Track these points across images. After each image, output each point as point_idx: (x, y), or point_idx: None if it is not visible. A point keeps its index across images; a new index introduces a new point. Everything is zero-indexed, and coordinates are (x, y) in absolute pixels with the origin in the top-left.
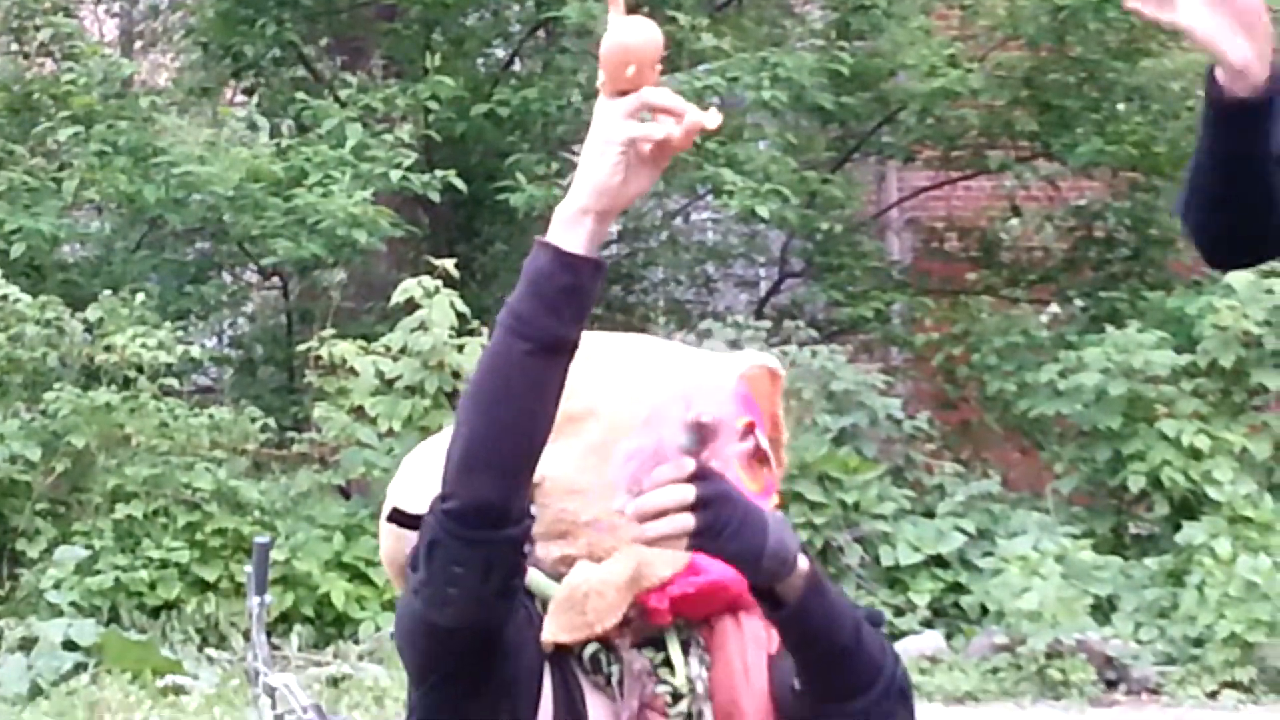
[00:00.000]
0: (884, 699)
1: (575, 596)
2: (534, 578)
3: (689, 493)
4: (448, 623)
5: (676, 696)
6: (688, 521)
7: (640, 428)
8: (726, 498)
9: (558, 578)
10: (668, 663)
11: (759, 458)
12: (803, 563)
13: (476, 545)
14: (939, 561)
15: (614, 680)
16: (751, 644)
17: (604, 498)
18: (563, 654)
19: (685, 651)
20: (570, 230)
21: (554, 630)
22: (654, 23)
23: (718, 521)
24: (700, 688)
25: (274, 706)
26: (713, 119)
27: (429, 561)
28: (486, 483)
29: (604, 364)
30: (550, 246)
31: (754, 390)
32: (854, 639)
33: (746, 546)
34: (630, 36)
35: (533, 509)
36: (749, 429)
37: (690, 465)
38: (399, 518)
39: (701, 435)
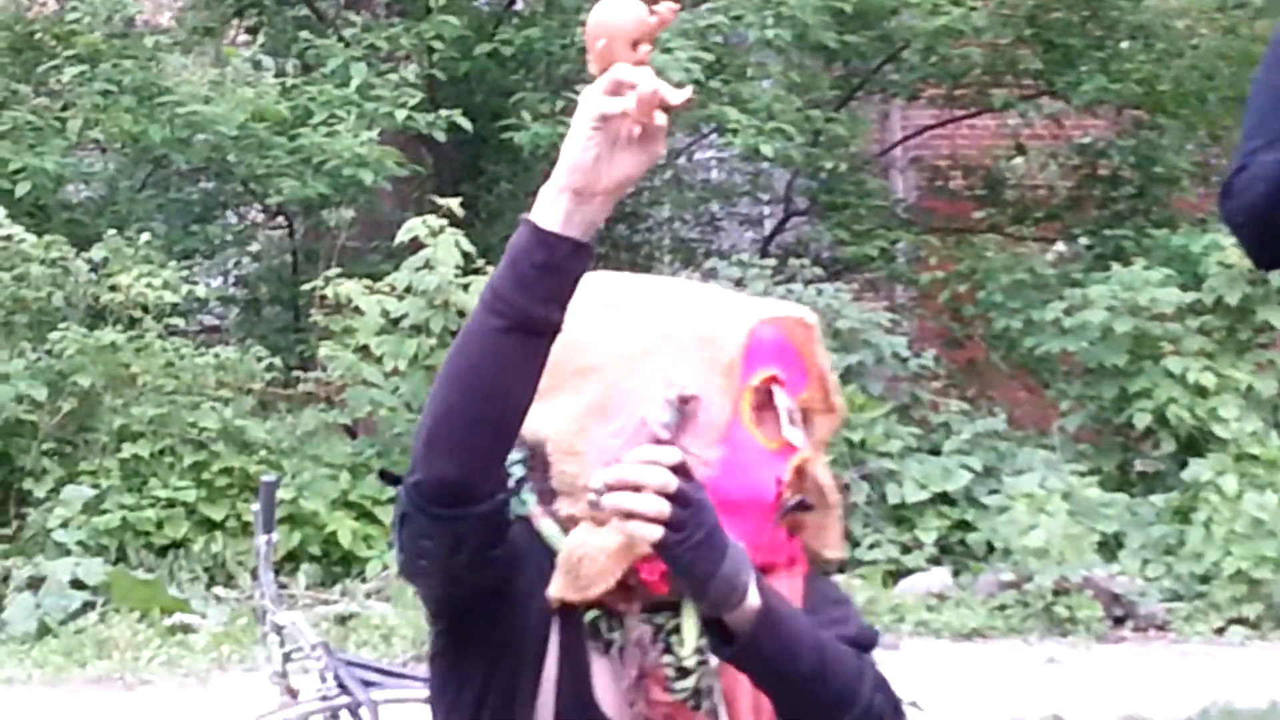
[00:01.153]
0: None
1: (570, 560)
2: (548, 530)
3: (670, 480)
4: (422, 592)
5: (682, 671)
6: (663, 507)
7: (624, 404)
8: (703, 505)
9: (568, 534)
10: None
11: (782, 413)
12: (754, 598)
13: (443, 521)
14: (945, 499)
15: (615, 647)
16: None
17: (602, 462)
18: (571, 612)
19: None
20: (548, 207)
21: (556, 588)
22: (623, 5)
23: (686, 524)
24: (713, 662)
25: (281, 644)
26: (678, 95)
27: (400, 533)
28: (452, 461)
29: (612, 317)
30: (528, 222)
31: (793, 340)
32: (815, 670)
33: (702, 562)
34: (603, 11)
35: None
36: (767, 383)
37: (678, 455)
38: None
39: (682, 411)
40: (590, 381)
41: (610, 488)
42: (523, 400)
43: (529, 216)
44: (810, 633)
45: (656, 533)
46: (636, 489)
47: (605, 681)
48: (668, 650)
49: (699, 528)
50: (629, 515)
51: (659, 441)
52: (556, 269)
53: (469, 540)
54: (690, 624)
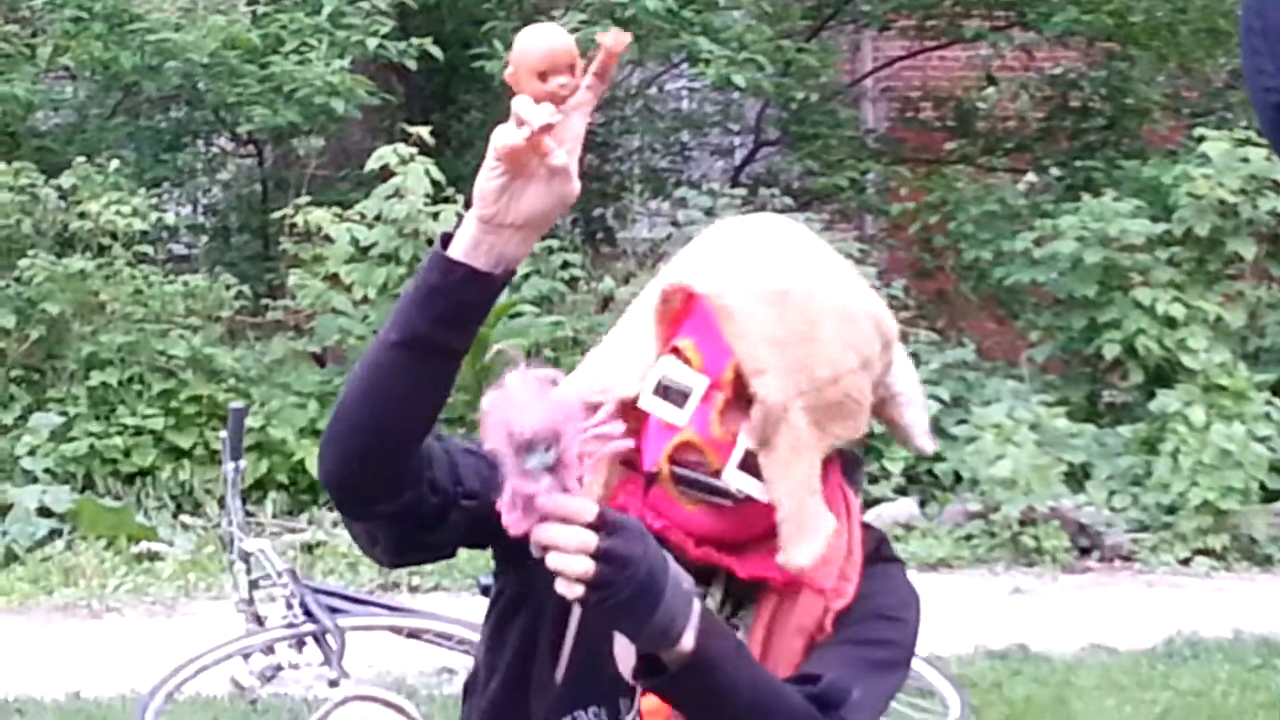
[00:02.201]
0: None
1: None
2: None
3: (588, 540)
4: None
5: None
6: (586, 567)
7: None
8: (628, 561)
9: None
10: None
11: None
12: (686, 643)
13: (349, 518)
14: None
15: None
16: (793, 630)
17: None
18: None
19: (737, 602)
20: (459, 230)
21: None
22: (552, 30)
23: (611, 583)
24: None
25: (248, 571)
26: (540, 115)
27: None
28: (336, 462)
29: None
30: (439, 239)
31: (717, 316)
32: None
33: (629, 617)
34: (519, 39)
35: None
36: (671, 352)
37: (593, 510)
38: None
39: (545, 444)
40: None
41: (537, 546)
42: (413, 413)
43: (445, 232)
44: (749, 687)
45: (579, 591)
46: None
47: (625, 640)
48: None
49: (625, 585)
50: (560, 574)
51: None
52: (448, 293)
53: (381, 534)
54: (712, 608)
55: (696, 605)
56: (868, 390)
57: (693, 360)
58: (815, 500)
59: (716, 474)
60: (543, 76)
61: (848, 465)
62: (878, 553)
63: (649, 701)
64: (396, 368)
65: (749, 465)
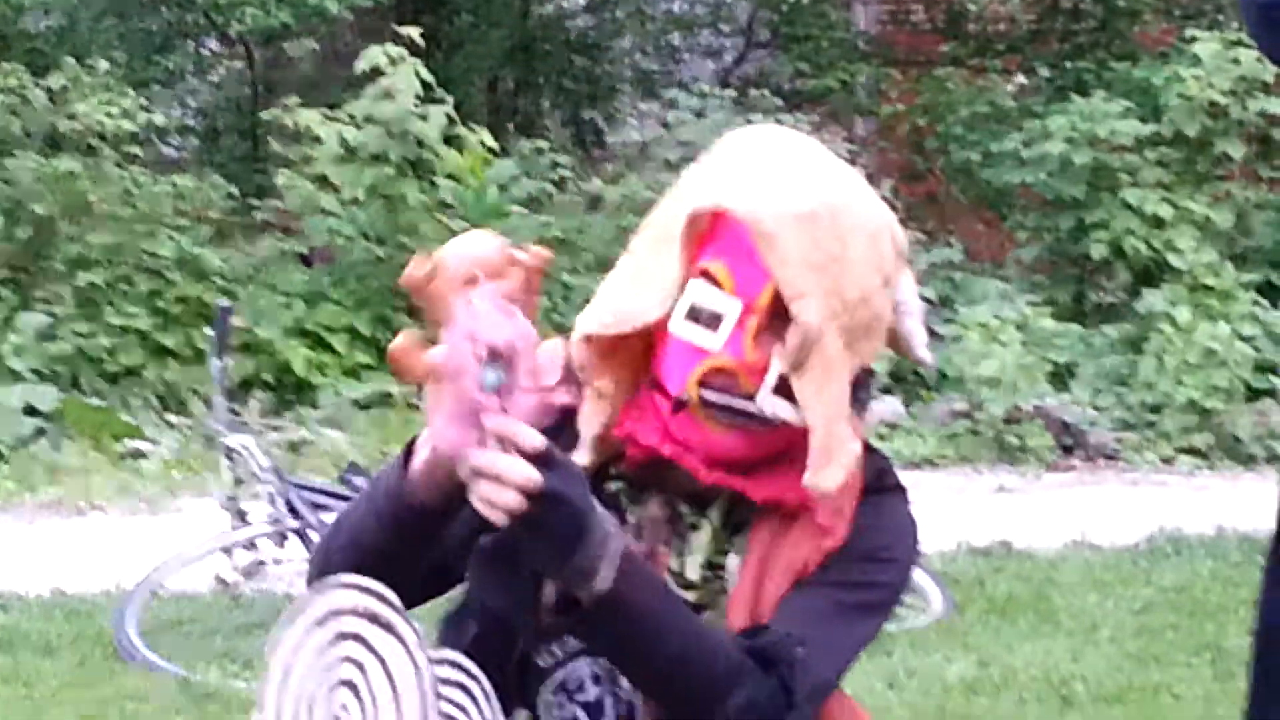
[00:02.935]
0: None
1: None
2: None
3: (535, 478)
4: None
5: (685, 581)
6: (519, 503)
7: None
8: (560, 499)
9: None
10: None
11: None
12: (601, 584)
13: None
14: None
15: (630, 524)
16: (784, 567)
17: None
18: (595, 484)
19: (733, 530)
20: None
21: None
22: (480, 238)
23: (539, 519)
24: (728, 576)
25: (233, 468)
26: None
27: None
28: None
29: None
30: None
31: (753, 236)
32: (659, 672)
33: (551, 551)
34: (447, 249)
35: None
36: (702, 275)
37: (541, 442)
38: None
39: (504, 364)
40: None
41: (475, 472)
42: (385, 554)
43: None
44: (674, 637)
45: (505, 520)
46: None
47: None
48: (681, 547)
49: (554, 523)
50: (489, 503)
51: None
52: (397, 511)
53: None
54: (705, 536)
55: (618, 546)
56: (889, 307)
57: (724, 284)
58: (843, 424)
59: (748, 398)
60: (470, 283)
61: (857, 384)
62: (877, 481)
63: None
64: (365, 526)
65: (781, 389)
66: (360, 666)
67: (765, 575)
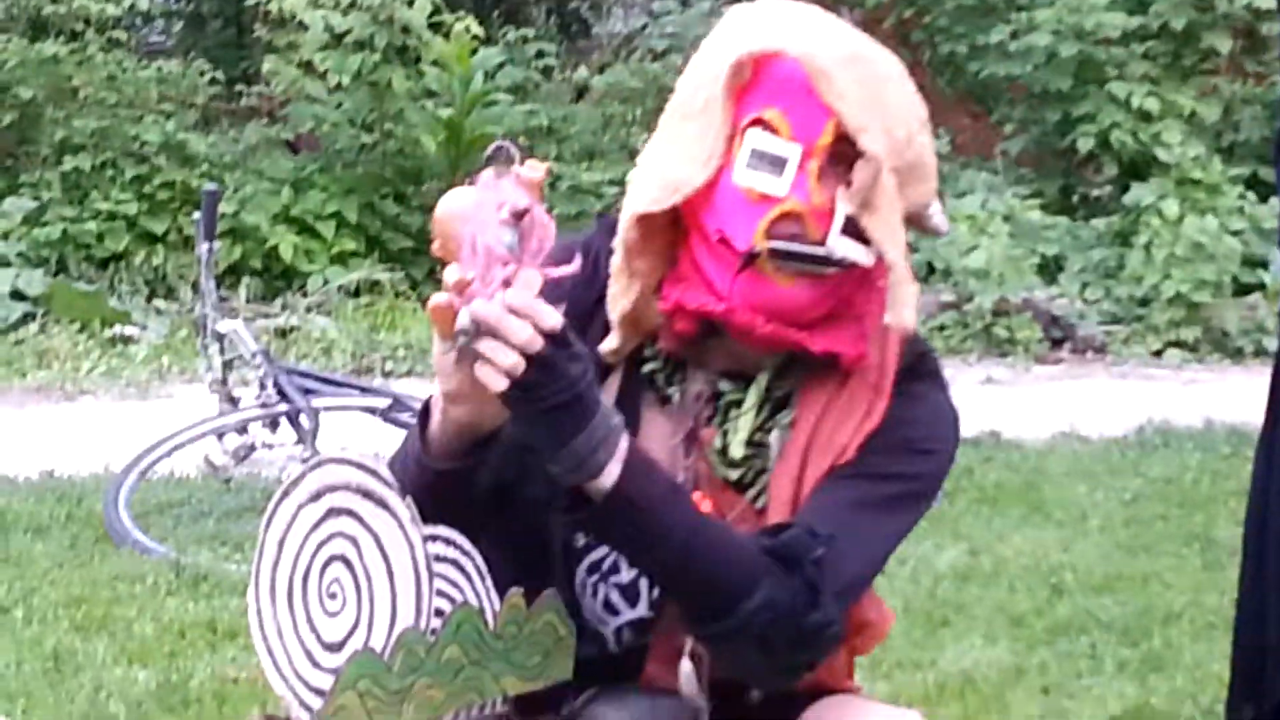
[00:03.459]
0: (733, 635)
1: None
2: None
3: (534, 342)
4: None
5: (729, 459)
6: (518, 363)
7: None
8: (563, 375)
9: None
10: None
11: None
12: (605, 480)
13: None
14: None
15: (672, 402)
16: (823, 443)
17: None
18: (632, 366)
19: (775, 407)
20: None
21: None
22: (466, 192)
23: (538, 389)
24: (771, 456)
25: (222, 352)
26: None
27: None
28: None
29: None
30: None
31: (805, 73)
32: (671, 570)
33: (546, 431)
34: (439, 207)
35: None
36: (753, 124)
37: (557, 320)
38: None
39: (519, 231)
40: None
41: (476, 324)
42: (438, 502)
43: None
44: (682, 531)
45: (502, 384)
46: (497, 336)
47: (656, 435)
48: (724, 424)
49: (553, 395)
50: (484, 359)
51: (505, 264)
52: (429, 473)
53: None
54: (749, 411)
55: (625, 442)
56: (931, 150)
57: (781, 129)
58: (908, 261)
59: (818, 244)
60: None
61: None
62: (919, 365)
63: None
64: (423, 492)
65: (848, 231)
66: (353, 541)
67: (810, 450)
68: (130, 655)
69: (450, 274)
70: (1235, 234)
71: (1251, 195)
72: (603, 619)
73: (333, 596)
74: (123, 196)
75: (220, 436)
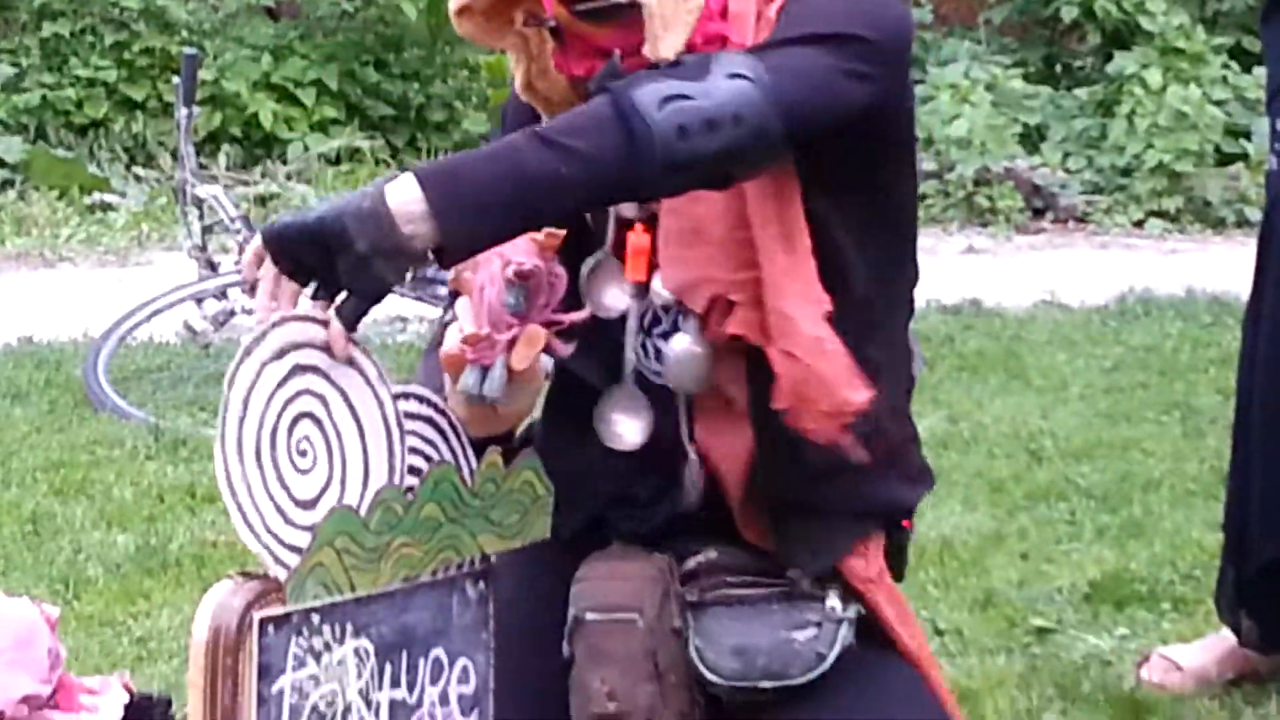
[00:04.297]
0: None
1: None
2: None
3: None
4: None
5: None
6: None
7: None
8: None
9: None
10: None
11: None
12: (428, 238)
13: None
14: None
15: None
16: None
17: None
18: None
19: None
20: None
21: None
22: None
23: (277, 246)
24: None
25: (201, 217)
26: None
27: None
28: None
29: None
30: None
31: None
32: (555, 192)
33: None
34: None
35: None
36: None
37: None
38: None
39: (525, 287)
40: None
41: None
42: None
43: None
44: (500, 165)
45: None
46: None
47: None
48: None
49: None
50: None
51: (509, 326)
52: None
53: None
54: None
55: (379, 205)
56: None
57: None
58: None
59: None
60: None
61: None
62: None
63: (635, 239)
64: None
65: None
66: (321, 399)
67: None
68: (109, 519)
69: (458, 329)
70: (1218, 104)
71: (1235, 65)
72: (657, 370)
73: (303, 454)
74: (102, 63)
75: (199, 302)
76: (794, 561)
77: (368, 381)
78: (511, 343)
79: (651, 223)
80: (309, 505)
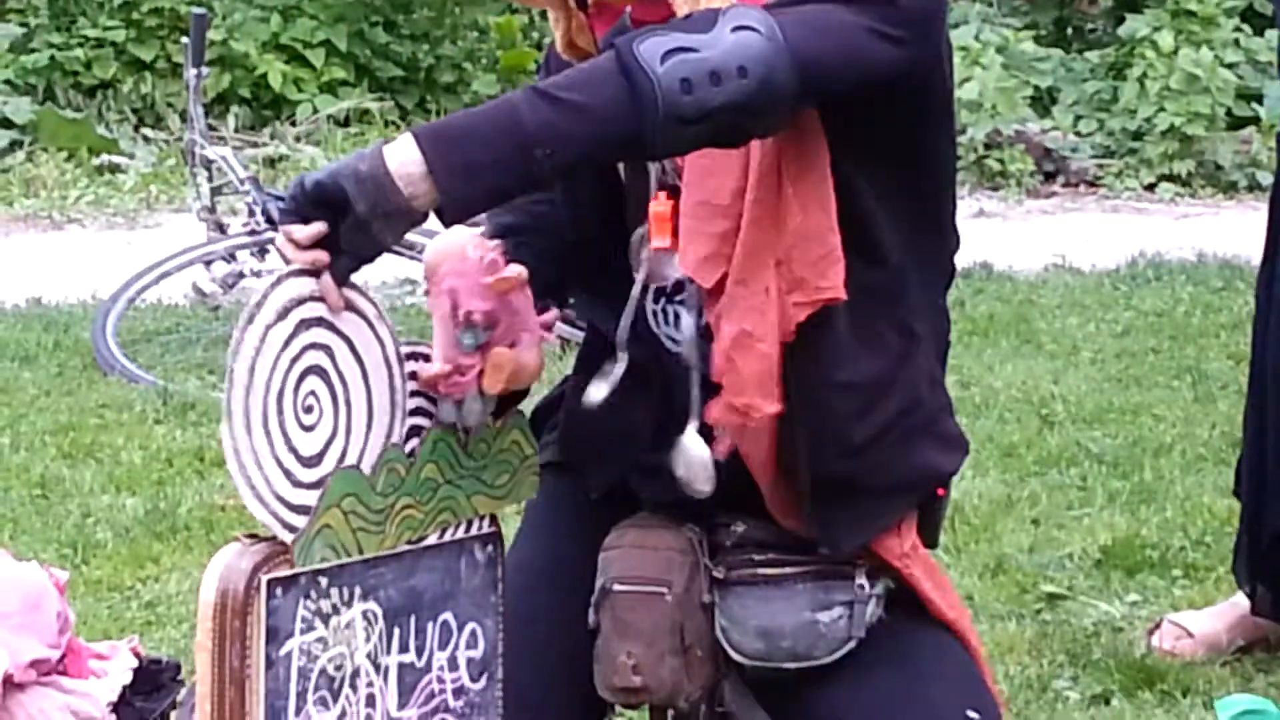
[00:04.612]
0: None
1: None
2: None
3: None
4: None
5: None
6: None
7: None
8: (289, 196)
9: None
10: None
11: None
12: (430, 198)
13: None
14: None
15: None
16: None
17: None
18: None
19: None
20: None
21: None
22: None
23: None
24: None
25: (210, 179)
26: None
27: None
28: None
29: None
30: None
31: None
32: (517, 151)
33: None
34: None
35: None
36: None
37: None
38: None
39: (481, 328)
40: None
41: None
42: None
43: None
44: (498, 122)
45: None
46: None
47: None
48: None
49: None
50: None
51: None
52: None
53: None
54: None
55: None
56: None
57: None
58: None
59: None
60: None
61: None
62: None
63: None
64: None
65: None
66: (327, 350)
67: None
68: (118, 483)
69: (429, 368)
70: (1230, 66)
71: (1247, 28)
72: (675, 337)
73: (309, 410)
74: (111, 23)
75: (208, 264)
76: (829, 542)
77: (368, 322)
78: (480, 371)
79: (675, 192)
80: (314, 461)
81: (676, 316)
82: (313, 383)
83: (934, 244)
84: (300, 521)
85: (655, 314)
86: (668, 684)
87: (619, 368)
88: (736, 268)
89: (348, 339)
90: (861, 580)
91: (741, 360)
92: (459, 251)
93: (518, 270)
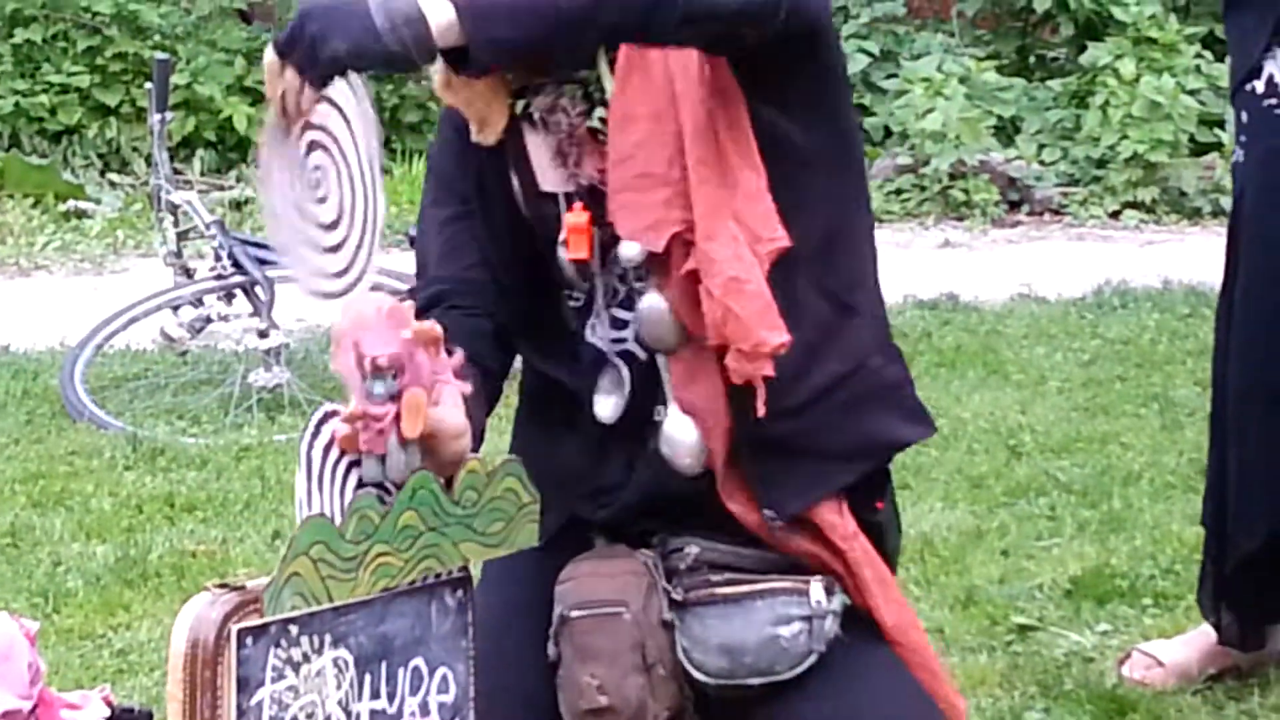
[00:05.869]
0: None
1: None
2: None
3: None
4: None
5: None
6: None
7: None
8: (297, 20)
9: None
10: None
11: None
12: (439, 14)
13: None
14: None
15: (537, 120)
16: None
17: None
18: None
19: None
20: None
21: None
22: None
23: (296, 42)
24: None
25: (176, 224)
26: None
27: None
28: None
29: None
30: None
31: None
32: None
33: (348, 42)
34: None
35: None
36: None
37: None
38: None
39: (390, 374)
40: None
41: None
42: None
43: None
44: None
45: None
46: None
47: (540, 156)
48: (590, 108)
49: (309, 30)
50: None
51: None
52: None
53: None
54: (605, 75)
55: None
56: None
57: None
58: None
59: None
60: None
61: None
62: None
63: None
64: None
65: None
66: (324, 128)
67: None
68: (88, 530)
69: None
70: (1192, 93)
71: (1208, 54)
72: (616, 339)
73: (317, 185)
74: (75, 69)
75: (176, 309)
76: (776, 505)
77: (354, 92)
78: (396, 417)
79: (588, 198)
80: (332, 226)
81: (623, 323)
82: (316, 158)
83: (857, 213)
84: (336, 286)
85: (594, 327)
86: (633, 703)
87: (610, 379)
88: (702, 228)
89: (340, 108)
90: (818, 595)
91: (739, 304)
92: (363, 309)
93: (431, 323)
